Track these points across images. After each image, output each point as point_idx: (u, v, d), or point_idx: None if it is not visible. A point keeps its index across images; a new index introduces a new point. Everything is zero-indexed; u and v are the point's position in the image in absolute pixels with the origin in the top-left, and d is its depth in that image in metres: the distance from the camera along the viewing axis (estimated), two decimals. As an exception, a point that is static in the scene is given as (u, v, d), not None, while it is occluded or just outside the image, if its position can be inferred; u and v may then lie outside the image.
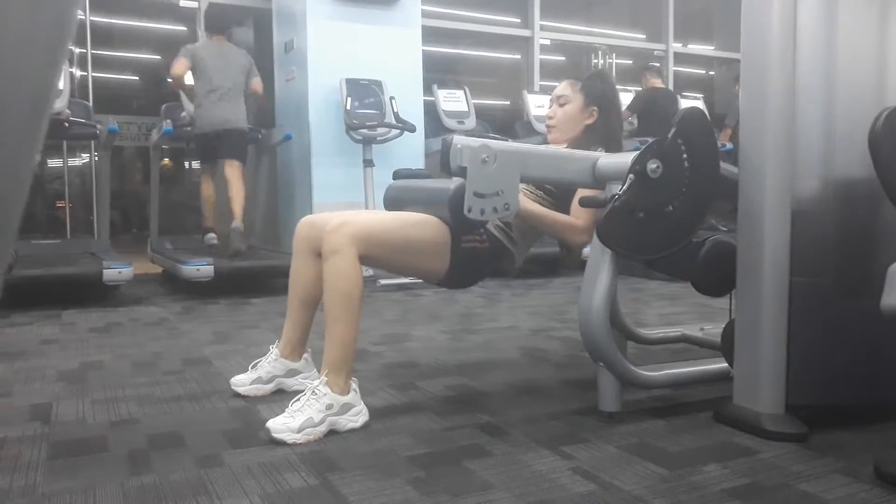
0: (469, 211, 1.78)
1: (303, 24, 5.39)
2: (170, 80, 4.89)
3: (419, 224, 2.03)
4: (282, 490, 1.49)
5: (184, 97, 5.06)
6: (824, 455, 1.66)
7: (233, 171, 4.89)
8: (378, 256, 1.98)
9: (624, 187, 1.80)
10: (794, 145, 1.77)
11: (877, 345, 1.78)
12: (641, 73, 6.79)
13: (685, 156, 1.84)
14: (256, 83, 4.98)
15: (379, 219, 2.02)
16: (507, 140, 5.81)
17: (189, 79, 4.85)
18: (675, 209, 1.85)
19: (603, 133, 2.22)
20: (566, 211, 2.13)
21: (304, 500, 1.45)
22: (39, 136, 0.58)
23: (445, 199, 1.97)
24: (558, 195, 2.16)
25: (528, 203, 2.07)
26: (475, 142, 1.82)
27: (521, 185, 2.05)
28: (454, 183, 1.94)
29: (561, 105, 2.29)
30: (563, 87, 2.31)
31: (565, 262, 2.60)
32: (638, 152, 1.82)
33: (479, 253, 2.10)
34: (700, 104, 6.84)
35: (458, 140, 1.81)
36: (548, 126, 2.35)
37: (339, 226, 1.90)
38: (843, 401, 1.83)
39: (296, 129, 5.46)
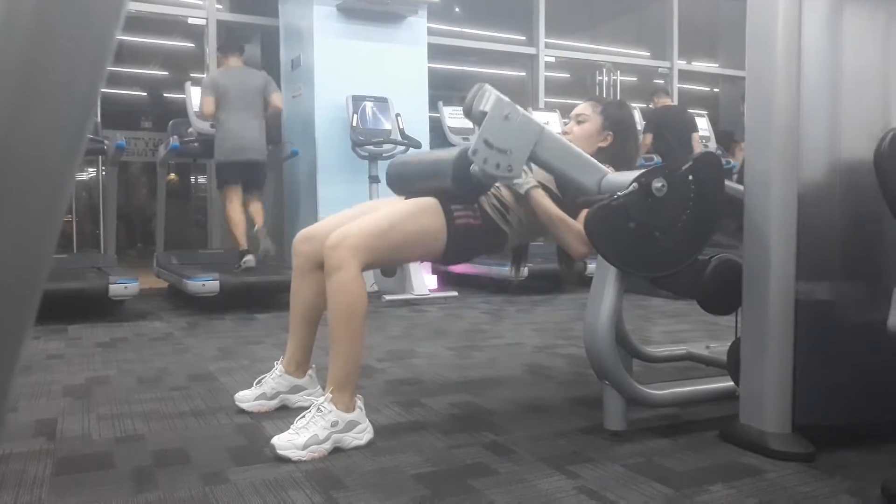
0: (474, 154, 1.81)
1: (310, 41, 5.44)
2: (200, 116, 4.84)
3: (415, 214, 2.06)
4: (286, 508, 1.49)
5: (190, 113, 5.09)
6: (831, 475, 1.65)
7: (252, 201, 4.90)
8: (381, 259, 2.07)
9: (625, 192, 1.79)
10: (798, 163, 1.77)
11: (884, 364, 1.76)
12: (650, 97, 6.86)
13: (692, 195, 1.83)
14: (276, 98, 4.90)
15: (375, 222, 2.01)
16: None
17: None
18: (664, 238, 1.82)
19: (616, 157, 2.22)
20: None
21: (309, 518, 1.44)
22: (79, 157, 0.60)
23: (448, 167, 2.02)
24: (566, 204, 2.16)
25: (541, 196, 2.09)
26: (504, 96, 1.85)
27: (537, 181, 2.09)
28: (457, 150, 2.03)
29: (579, 123, 2.31)
30: (583, 107, 2.33)
31: (565, 278, 2.58)
32: (648, 169, 1.82)
33: (473, 229, 2.12)
34: (705, 121, 6.88)
35: (490, 88, 1.85)
36: None
37: (340, 240, 1.91)
38: (850, 420, 1.82)
39: (302, 146, 5.48)
